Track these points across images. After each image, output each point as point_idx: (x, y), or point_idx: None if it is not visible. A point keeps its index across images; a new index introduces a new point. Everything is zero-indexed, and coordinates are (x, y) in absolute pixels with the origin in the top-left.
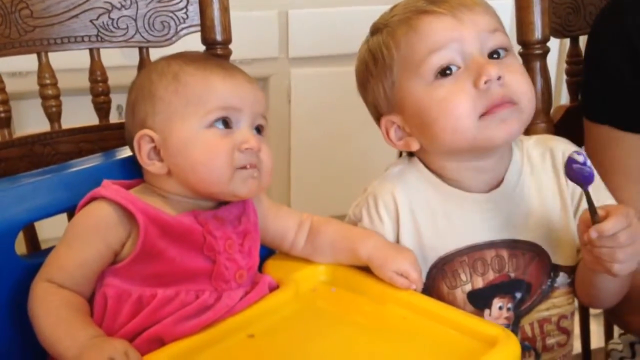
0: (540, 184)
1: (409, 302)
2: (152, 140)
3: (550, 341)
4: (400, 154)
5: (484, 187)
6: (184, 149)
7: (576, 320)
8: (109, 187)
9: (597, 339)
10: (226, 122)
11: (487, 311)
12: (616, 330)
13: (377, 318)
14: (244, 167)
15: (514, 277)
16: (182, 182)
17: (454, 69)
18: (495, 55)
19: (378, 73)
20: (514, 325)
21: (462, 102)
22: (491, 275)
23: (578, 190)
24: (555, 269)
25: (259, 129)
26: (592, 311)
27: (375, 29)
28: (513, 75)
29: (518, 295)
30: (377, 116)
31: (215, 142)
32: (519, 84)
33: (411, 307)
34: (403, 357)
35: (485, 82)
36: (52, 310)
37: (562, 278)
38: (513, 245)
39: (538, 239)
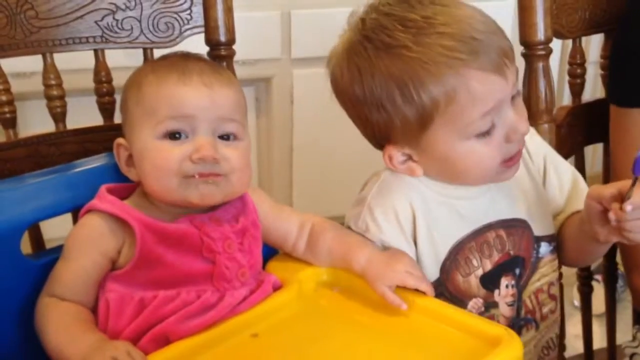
0: None
1: (411, 301)
2: (127, 149)
3: (544, 310)
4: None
5: None
6: (139, 160)
7: (578, 321)
8: (104, 199)
9: (599, 340)
10: (178, 133)
11: (496, 291)
12: (619, 331)
13: (379, 318)
14: (192, 177)
15: (513, 254)
16: (147, 190)
17: (492, 124)
18: None
19: (412, 115)
20: (518, 301)
21: (494, 156)
22: (496, 256)
23: (542, 163)
24: (538, 240)
25: (227, 136)
26: (594, 312)
27: (408, 58)
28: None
29: (517, 271)
30: (379, 138)
31: (164, 153)
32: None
33: (414, 307)
34: (405, 357)
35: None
36: (55, 322)
37: (544, 248)
38: (507, 224)
39: (522, 214)
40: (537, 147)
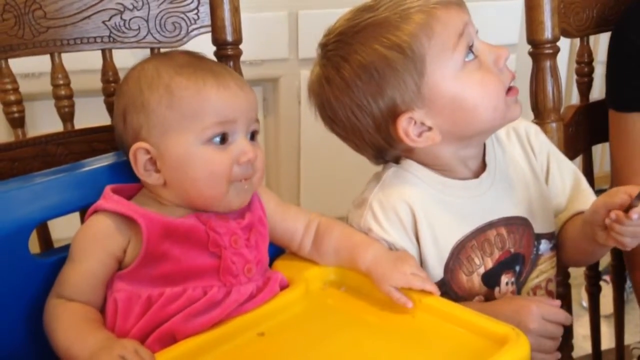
0: (513, 161)
1: (418, 300)
2: (148, 152)
3: None
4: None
5: (471, 174)
6: (181, 165)
7: (586, 321)
8: (110, 199)
9: (607, 340)
10: (223, 137)
11: (497, 289)
12: (627, 332)
13: (386, 317)
14: (239, 181)
15: (513, 251)
16: (179, 194)
17: (474, 51)
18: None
19: (406, 67)
20: None
21: (495, 81)
22: (497, 254)
23: (545, 161)
24: (538, 237)
25: (252, 135)
26: (602, 312)
27: (371, 26)
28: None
29: (517, 268)
30: (388, 119)
31: (213, 158)
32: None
33: (420, 306)
34: (412, 356)
35: (503, 61)
36: (63, 322)
37: (544, 245)
38: (507, 221)
39: (523, 211)
40: (541, 145)
